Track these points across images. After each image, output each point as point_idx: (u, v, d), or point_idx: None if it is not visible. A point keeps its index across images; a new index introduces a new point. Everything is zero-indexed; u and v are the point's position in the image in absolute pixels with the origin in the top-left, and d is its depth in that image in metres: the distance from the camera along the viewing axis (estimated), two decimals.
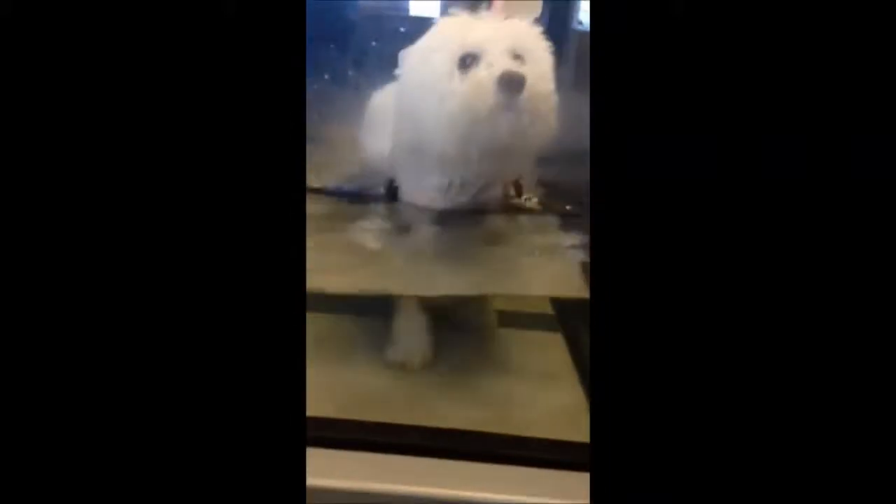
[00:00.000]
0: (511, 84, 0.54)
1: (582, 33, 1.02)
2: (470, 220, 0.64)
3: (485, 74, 0.55)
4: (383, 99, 0.69)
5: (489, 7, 0.64)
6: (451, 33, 0.60)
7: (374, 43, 0.92)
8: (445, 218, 0.64)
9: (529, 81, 0.54)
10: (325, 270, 0.55)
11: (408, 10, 0.98)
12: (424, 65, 0.60)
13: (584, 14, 1.02)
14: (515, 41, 0.58)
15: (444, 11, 0.95)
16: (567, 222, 0.67)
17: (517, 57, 0.57)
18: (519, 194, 0.69)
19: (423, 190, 0.65)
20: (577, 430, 0.45)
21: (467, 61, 0.57)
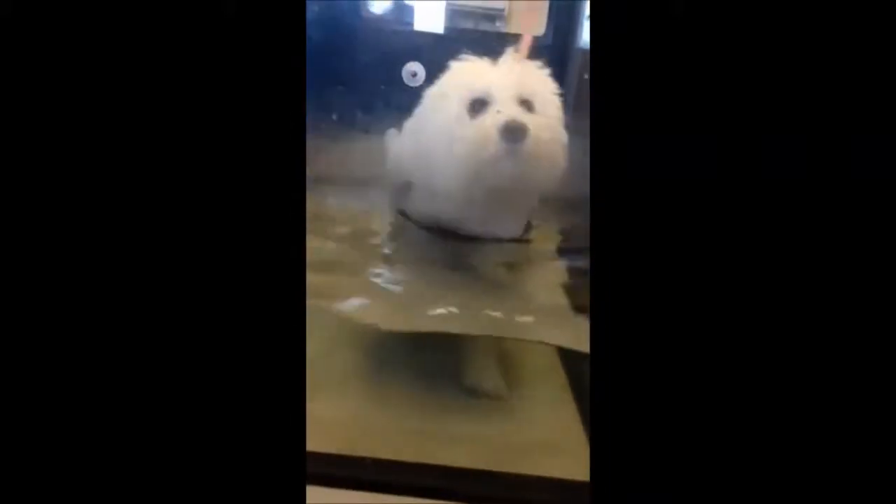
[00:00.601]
0: (514, 133, 0.57)
1: (586, 52, 1.02)
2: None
3: (490, 122, 0.58)
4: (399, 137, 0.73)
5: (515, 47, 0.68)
6: (463, 78, 0.64)
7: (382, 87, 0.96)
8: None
9: (532, 129, 0.57)
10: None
11: (412, 24, 0.98)
12: (437, 108, 0.64)
13: (587, 33, 1.02)
14: (523, 87, 0.62)
15: (450, 25, 0.99)
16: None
17: (524, 102, 0.61)
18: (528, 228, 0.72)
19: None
20: None
21: (476, 106, 0.61)
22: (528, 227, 0.72)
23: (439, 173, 0.62)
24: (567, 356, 0.68)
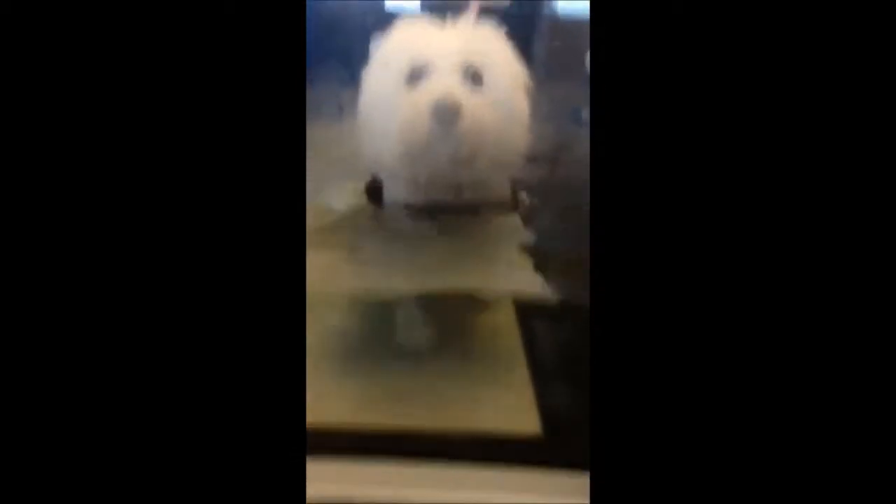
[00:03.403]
0: (444, 114, 0.49)
1: (553, 20, 1.03)
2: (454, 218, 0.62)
3: (422, 99, 0.50)
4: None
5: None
6: (403, 43, 0.56)
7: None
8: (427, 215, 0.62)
9: (470, 108, 0.49)
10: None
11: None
12: (377, 75, 0.56)
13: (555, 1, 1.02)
14: (471, 54, 0.53)
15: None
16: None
17: (471, 73, 0.52)
18: (514, 194, 0.66)
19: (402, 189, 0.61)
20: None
21: (415, 76, 0.53)
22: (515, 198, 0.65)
23: (380, 148, 0.55)
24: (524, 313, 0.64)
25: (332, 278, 0.60)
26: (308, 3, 0.32)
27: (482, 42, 0.55)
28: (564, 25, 1.02)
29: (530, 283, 0.57)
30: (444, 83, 0.51)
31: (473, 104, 0.50)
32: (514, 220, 0.66)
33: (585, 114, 0.80)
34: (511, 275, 0.60)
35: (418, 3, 0.97)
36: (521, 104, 0.55)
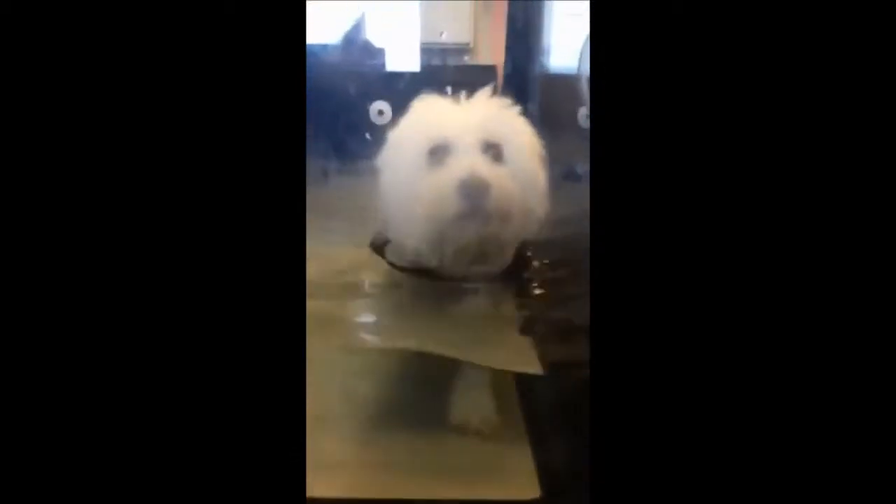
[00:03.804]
0: (474, 191, 0.50)
1: (544, 77, 1.06)
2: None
3: (447, 178, 0.51)
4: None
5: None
6: (422, 121, 0.56)
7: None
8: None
9: (497, 183, 0.50)
10: None
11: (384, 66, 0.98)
12: (397, 153, 0.57)
13: (547, 58, 1.06)
14: (489, 131, 0.54)
15: (424, 63, 0.99)
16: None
17: (491, 147, 0.54)
18: (527, 266, 0.66)
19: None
20: None
21: (436, 154, 0.54)
22: (520, 258, 0.64)
23: (402, 228, 0.56)
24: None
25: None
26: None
27: (497, 117, 0.56)
28: (556, 81, 1.04)
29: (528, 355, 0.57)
30: (468, 160, 0.52)
31: (498, 179, 0.51)
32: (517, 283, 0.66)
33: (579, 169, 0.83)
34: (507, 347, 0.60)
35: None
36: (538, 174, 0.57)
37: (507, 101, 0.58)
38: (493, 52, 1.04)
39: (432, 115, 0.56)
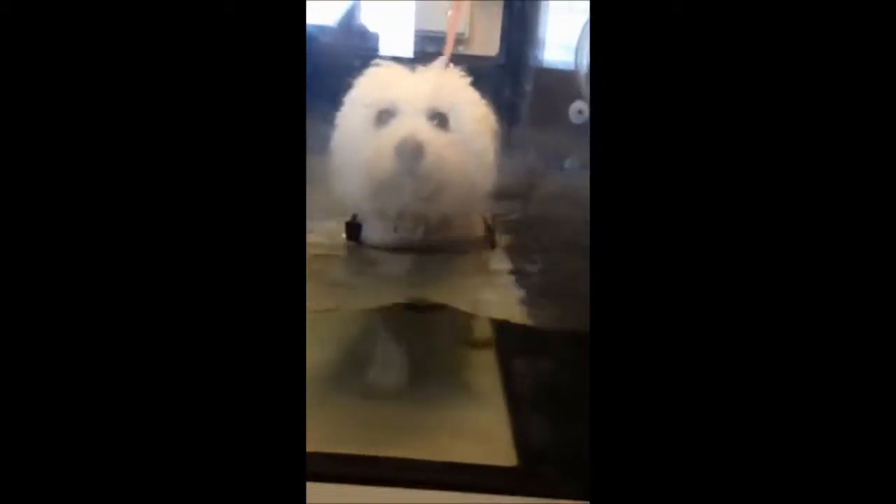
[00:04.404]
0: (407, 152, 0.52)
1: (538, 70, 1.06)
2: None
3: (387, 138, 0.54)
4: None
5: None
6: (373, 86, 0.59)
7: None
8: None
9: (433, 148, 0.52)
10: None
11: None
12: (349, 116, 0.60)
13: (541, 51, 1.06)
14: (438, 99, 0.56)
15: (419, 49, 0.99)
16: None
17: (437, 116, 0.56)
18: (489, 231, 0.68)
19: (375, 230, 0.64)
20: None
21: (383, 118, 0.56)
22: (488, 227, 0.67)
23: (346, 186, 0.58)
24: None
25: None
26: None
27: (449, 87, 0.58)
28: (550, 74, 1.05)
29: (508, 306, 0.60)
30: (410, 123, 0.54)
31: (436, 145, 0.53)
32: (490, 255, 0.68)
33: (568, 163, 0.84)
34: (489, 296, 0.62)
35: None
36: (486, 145, 0.58)
37: (460, 72, 0.60)
38: (488, 43, 1.05)
39: (385, 79, 0.59)
